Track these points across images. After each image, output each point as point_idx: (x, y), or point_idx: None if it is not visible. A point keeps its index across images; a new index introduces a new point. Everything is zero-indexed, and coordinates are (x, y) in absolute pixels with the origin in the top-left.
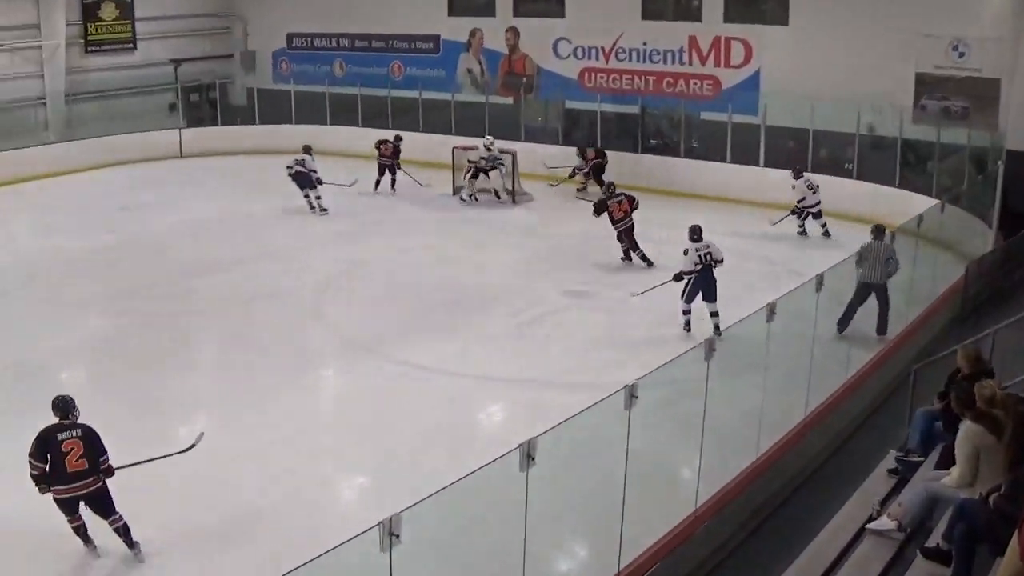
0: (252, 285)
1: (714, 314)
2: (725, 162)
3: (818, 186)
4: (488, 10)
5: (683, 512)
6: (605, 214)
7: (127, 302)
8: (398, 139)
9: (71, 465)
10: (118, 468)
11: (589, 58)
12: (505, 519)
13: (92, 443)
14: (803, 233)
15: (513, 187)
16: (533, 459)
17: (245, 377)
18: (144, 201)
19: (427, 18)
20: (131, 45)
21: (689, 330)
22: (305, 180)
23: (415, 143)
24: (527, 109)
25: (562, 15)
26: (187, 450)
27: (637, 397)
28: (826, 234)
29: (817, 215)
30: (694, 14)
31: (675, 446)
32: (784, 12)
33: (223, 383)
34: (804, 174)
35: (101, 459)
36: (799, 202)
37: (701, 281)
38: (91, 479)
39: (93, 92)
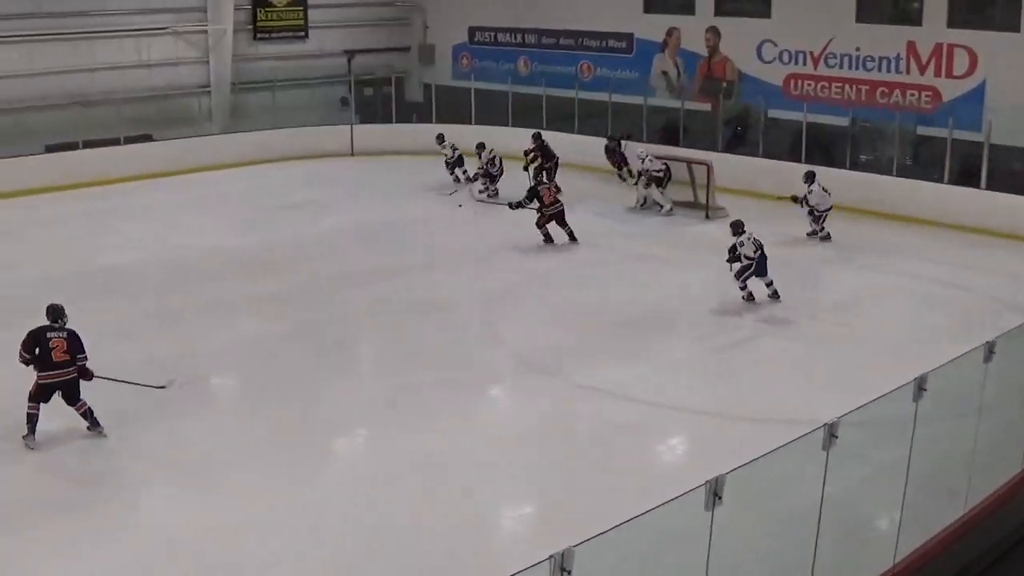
0: (419, 294)
1: (769, 283)
2: (942, 183)
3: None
4: (687, 8)
5: (879, 567)
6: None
7: (282, 306)
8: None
9: (56, 356)
10: (98, 378)
11: (795, 63)
12: (684, 561)
13: (73, 342)
14: (826, 238)
15: (707, 201)
16: (720, 498)
17: (407, 392)
18: (309, 199)
19: (621, 15)
20: (303, 34)
21: (753, 299)
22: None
23: (598, 149)
24: (725, 116)
25: (767, 15)
26: (162, 387)
27: (836, 437)
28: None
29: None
30: (914, 18)
31: (874, 493)
32: (1015, 17)
33: (381, 397)
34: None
35: (79, 356)
36: (814, 206)
37: (760, 263)
38: (70, 369)
39: (260, 82)
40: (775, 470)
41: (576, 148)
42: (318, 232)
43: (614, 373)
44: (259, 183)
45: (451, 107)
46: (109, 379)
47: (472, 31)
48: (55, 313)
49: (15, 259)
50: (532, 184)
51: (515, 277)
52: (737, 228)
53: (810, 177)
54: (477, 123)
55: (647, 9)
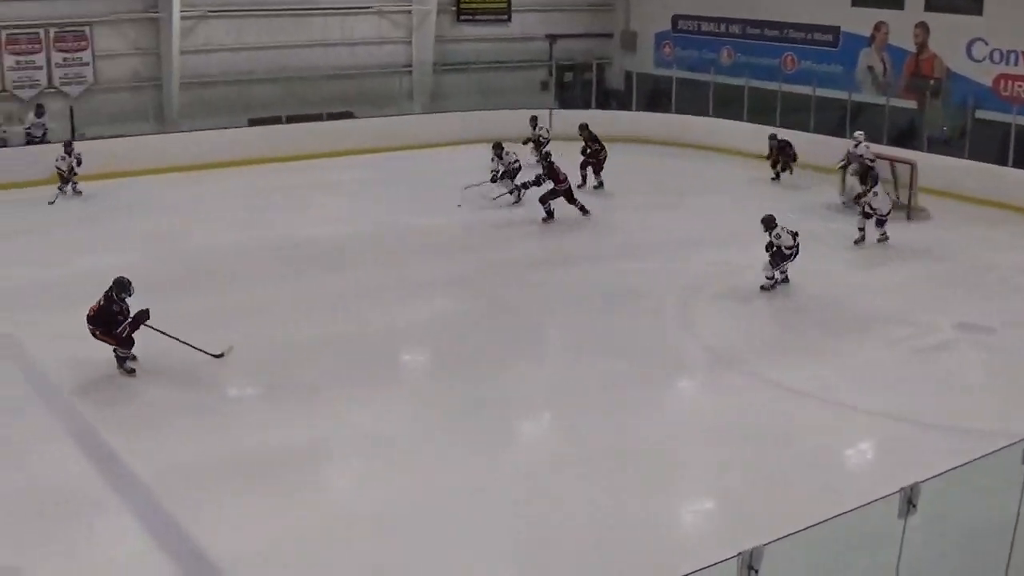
0: (610, 282)
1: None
2: None
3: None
4: (896, 2)
5: None
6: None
7: (475, 286)
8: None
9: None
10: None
11: (1007, 63)
12: (872, 567)
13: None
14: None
15: (910, 202)
16: (914, 506)
17: (591, 380)
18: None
19: (827, 7)
20: (506, 17)
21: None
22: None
23: (801, 143)
24: (932, 116)
25: (979, 12)
26: (219, 356)
27: None
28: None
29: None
30: None
31: None
32: None
33: (567, 384)
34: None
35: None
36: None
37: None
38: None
39: (461, 63)
40: (969, 482)
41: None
42: (513, 215)
43: (806, 371)
44: (457, 164)
45: (651, 95)
46: (168, 335)
47: (676, 19)
48: (120, 285)
49: (216, 229)
50: (546, 164)
51: (710, 269)
52: (769, 223)
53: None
54: (678, 111)
55: (855, 2)
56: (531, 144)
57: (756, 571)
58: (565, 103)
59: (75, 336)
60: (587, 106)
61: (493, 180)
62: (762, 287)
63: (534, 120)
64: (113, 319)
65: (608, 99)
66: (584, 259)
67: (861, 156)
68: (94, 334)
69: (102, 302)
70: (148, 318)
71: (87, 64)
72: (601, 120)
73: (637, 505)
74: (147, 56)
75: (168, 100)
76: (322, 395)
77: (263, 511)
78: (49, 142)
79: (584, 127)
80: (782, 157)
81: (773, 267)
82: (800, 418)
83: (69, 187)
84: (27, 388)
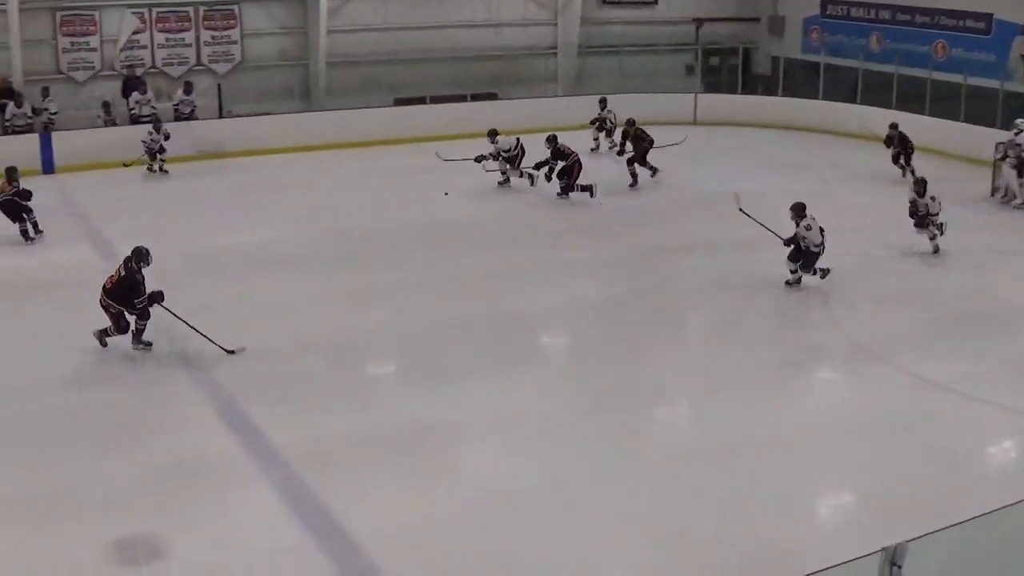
0: (749, 270)
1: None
2: None
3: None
4: None
5: None
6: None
7: (616, 270)
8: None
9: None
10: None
11: None
12: (1017, 567)
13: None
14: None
15: None
16: None
17: (729, 369)
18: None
19: None
20: (653, 0)
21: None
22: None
23: (952, 133)
24: None
25: None
26: (230, 352)
27: None
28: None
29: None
30: None
31: None
32: None
33: (705, 371)
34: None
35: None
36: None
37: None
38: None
39: (606, 46)
40: None
41: (928, 132)
42: (655, 199)
43: (951, 365)
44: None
45: (798, 81)
46: (180, 319)
47: (824, 4)
48: (138, 255)
49: (360, 208)
50: (552, 148)
51: (850, 259)
52: (799, 211)
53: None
54: (824, 98)
55: None
56: (596, 124)
57: (899, 567)
58: (711, 88)
59: (222, 308)
60: (733, 91)
61: (477, 160)
62: (787, 282)
63: (603, 102)
64: (136, 288)
65: (755, 84)
66: (722, 246)
67: (1020, 146)
68: (108, 308)
69: (122, 272)
70: (163, 300)
71: (235, 43)
72: (747, 105)
73: (774, 496)
74: (294, 35)
75: (314, 79)
76: (463, 375)
77: (401, 488)
78: (197, 118)
79: (632, 122)
80: (903, 149)
81: (807, 269)
82: (943, 413)
83: (156, 165)
84: (172, 360)
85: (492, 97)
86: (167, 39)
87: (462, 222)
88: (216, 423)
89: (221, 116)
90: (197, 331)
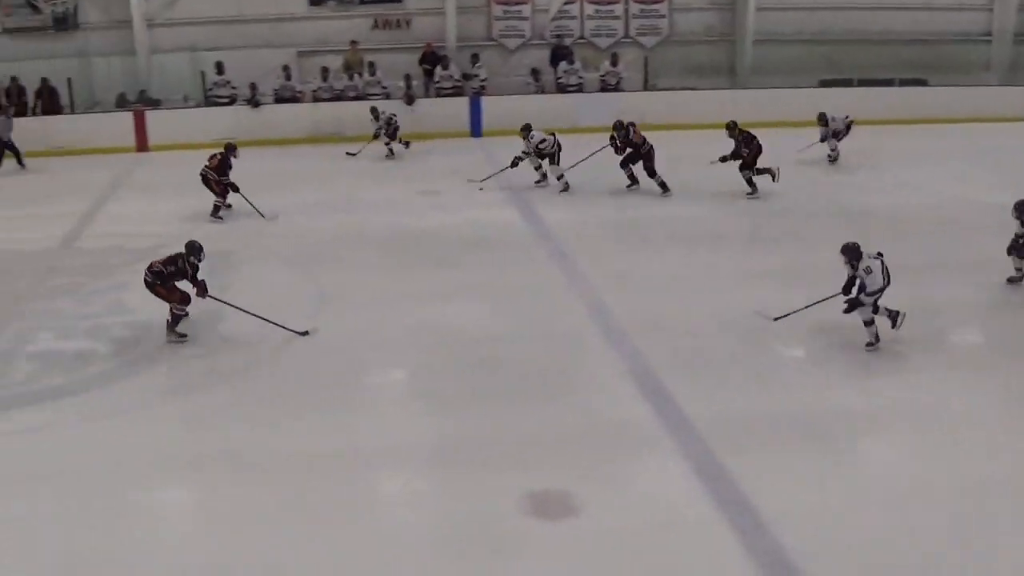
0: None
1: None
2: None
3: None
4: None
5: None
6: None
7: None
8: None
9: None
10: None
11: None
12: None
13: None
14: None
15: None
16: None
17: None
18: None
19: None
20: None
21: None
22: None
23: None
24: None
25: None
26: (303, 333)
27: None
28: None
29: None
30: None
31: None
32: None
33: None
34: None
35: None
36: None
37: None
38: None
39: None
40: None
41: None
42: None
43: None
44: None
45: None
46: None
47: None
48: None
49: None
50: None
51: None
52: (854, 253)
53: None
54: None
55: None
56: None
57: None
58: None
59: (637, 281)
60: None
61: (514, 164)
62: (868, 344)
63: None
64: (177, 278)
65: None
66: None
67: None
68: (152, 286)
69: (178, 263)
70: (207, 293)
71: (663, 16)
72: None
73: None
74: (723, 11)
75: (740, 56)
76: (883, 366)
77: (812, 471)
78: (622, 90)
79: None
80: None
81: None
82: None
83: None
84: (593, 326)
85: (922, 83)
86: (596, 11)
87: (888, 208)
88: (633, 389)
89: (646, 89)
90: (251, 313)
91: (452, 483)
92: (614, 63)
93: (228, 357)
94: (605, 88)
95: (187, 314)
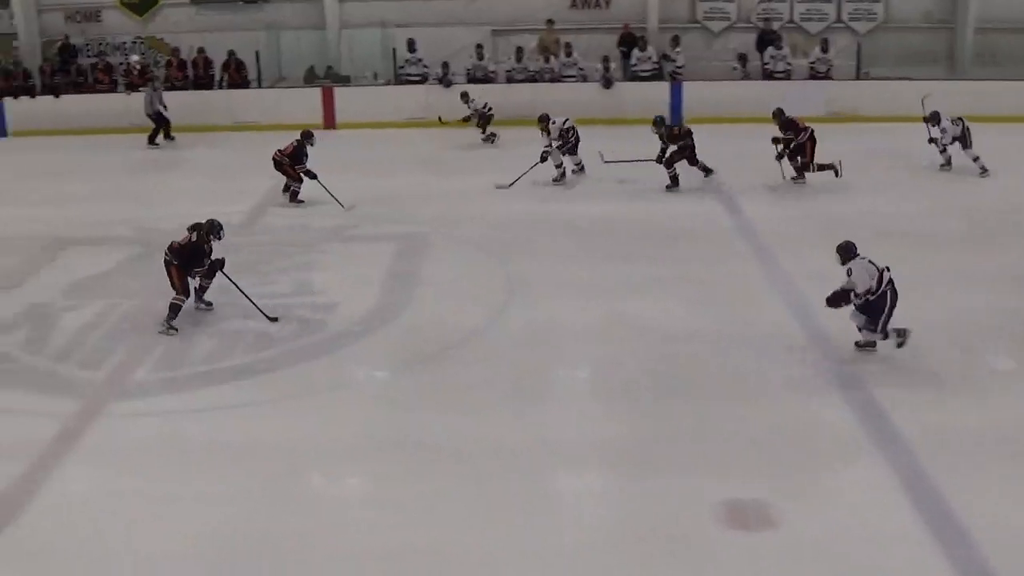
0: None
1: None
2: None
3: None
4: None
5: None
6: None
7: None
8: None
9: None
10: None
11: None
12: None
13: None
14: None
15: None
16: None
17: None
18: None
19: None
20: None
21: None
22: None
23: None
24: None
25: None
26: (273, 319)
27: None
28: None
29: None
30: None
31: None
32: None
33: None
34: None
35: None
36: None
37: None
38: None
39: None
40: None
41: None
42: None
43: None
44: None
45: None
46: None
47: None
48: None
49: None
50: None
51: None
52: (848, 253)
53: None
54: None
55: None
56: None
57: None
58: None
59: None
60: None
61: (543, 159)
62: (857, 344)
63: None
64: (199, 256)
65: None
66: None
67: None
68: (169, 265)
69: (193, 239)
70: (223, 267)
71: (878, 0)
72: None
73: None
74: None
75: (960, 44)
76: None
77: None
78: (832, 78)
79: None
80: None
81: (881, 331)
82: None
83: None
84: (795, 327)
85: None
86: None
87: None
88: (835, 396)
89: (858, 77)
90: (249, 298)
91: (642, 485)
92: (824, 49)
93: (414, 344)
94: (814, 76)
95: (183, 305)
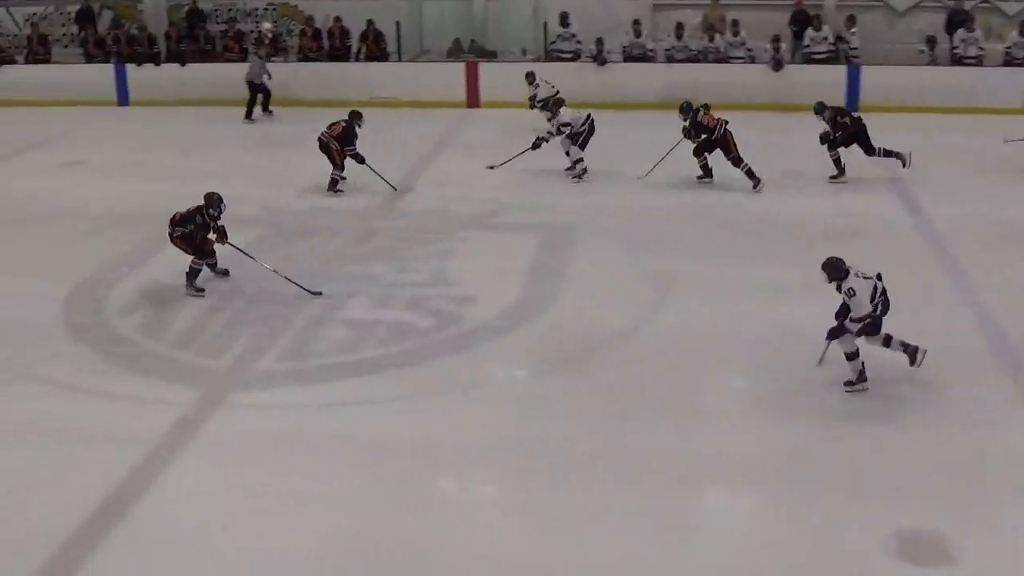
0: None
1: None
2: None
3: None
4: None
5: None
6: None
7: None
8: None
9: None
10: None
11: None
12: None
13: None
14: None
15: None
16: None
17: None
18: None
19: None
20: None
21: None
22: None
23: None
24: None
25: None
26: (317, 293)
27: None
28: None
29: None
30: None
31: None
32: None
33: None
34: None
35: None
36: None
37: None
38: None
39: None
40: None
41: None
42: None
43: None
44: None
45: None
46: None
47: None
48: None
49: None
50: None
51: None
52: (836, 270)
53: None
54: None
55: None
56: None
57: None
58: None
59: None
60: None
61: (535, 146)
62: (848, 382)
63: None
64: (202, 231)
65: None
66: None
67: None
68: (171, 236)
69: (197, 220)
70: (227, 239)
71: None
72: None
73: None
74: None
75: None
76: None
77: None
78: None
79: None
80: None
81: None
82: None
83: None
84: (983, 343)
85: None
86: None
87: None
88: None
89: None
90: (287, 277)
91: (802, 509)
92: (1022, 32)
93: (554, 344)
94: (1010, 62)
95: (204, 267)
